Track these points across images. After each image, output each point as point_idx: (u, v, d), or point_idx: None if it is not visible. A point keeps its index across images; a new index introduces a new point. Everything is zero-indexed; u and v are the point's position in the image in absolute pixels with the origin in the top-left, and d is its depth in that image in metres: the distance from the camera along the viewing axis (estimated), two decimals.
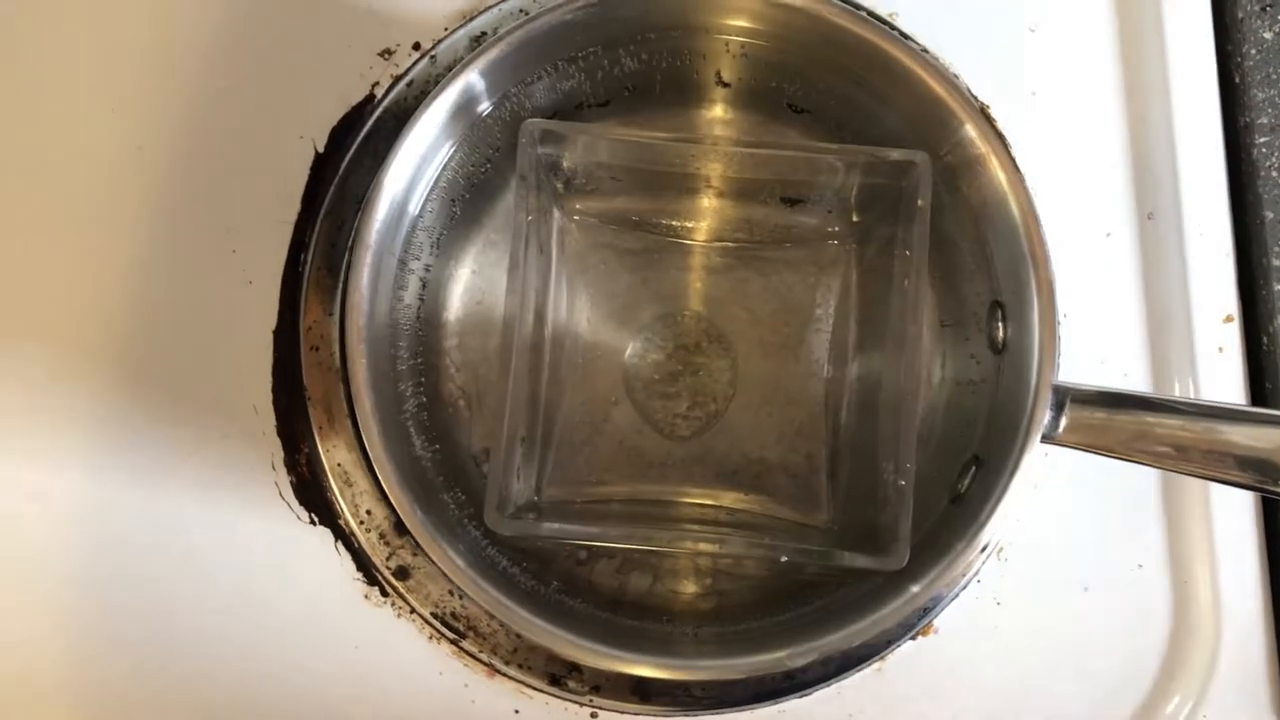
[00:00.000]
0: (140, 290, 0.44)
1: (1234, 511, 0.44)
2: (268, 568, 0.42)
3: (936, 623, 0.44)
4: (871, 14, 0.46)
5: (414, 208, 0.39)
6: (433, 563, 0.41)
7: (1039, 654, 0.44)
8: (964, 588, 0.44)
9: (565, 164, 0.40)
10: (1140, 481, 0.45)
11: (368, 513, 0.43)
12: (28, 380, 0.43)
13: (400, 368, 0.40)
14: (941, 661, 0.44)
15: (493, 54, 0.37)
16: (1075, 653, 0.44)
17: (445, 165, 0.39)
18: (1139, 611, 0.45)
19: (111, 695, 0.42)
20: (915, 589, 0.36)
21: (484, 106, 0.39)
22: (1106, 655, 0.44)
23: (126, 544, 0.42)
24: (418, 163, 0.38)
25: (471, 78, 0.37)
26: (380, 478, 0.36)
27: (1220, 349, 0.45)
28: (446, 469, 0.41)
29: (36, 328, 0.43)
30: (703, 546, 0.38)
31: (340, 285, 0.43)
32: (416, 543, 0.41)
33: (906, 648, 0.44)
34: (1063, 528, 0.45)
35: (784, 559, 0.37)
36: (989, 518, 0.36)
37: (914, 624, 0.44)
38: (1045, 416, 0.36)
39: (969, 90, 0.44)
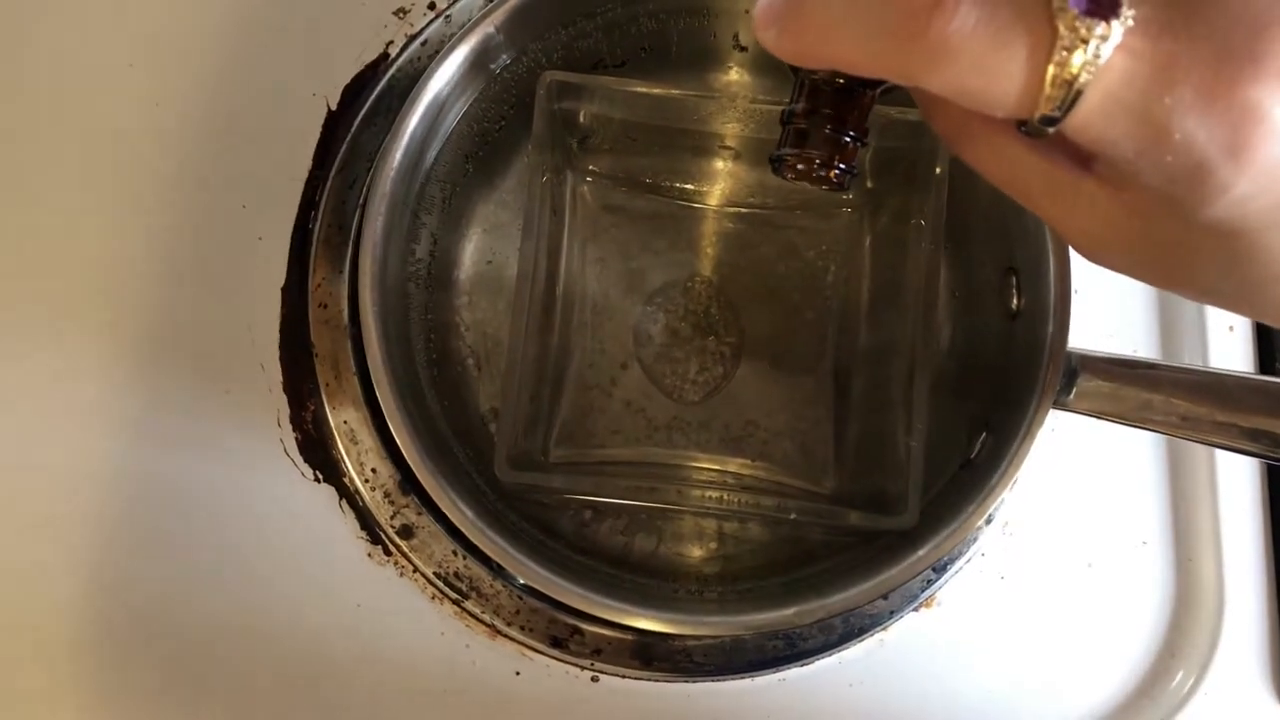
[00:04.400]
0: (150, 245, 0.44)
1: (1238, 489, 0.45)
2: (271, 524, 0.42)
3: (939, 596, 0.44)
4: None
5: (429, 158, 0.39)
6: (438, 521, 0.41)
7: (1042, 629, 0.44)
8: (968, 561, 0.44)
9: (581, 119, 0.40)
10: (1145, 459, 0.45)
11: (373, 471, 0.42)
12: (36, 332, 0.43)
13: (411, 319, 0.40)
14: (943, 634, 0.44)
15: (511, 5, 0.37)
16: (1078, 628, 0.44)
17: (461, 116, 0.39)
18: (1142, 588, 0.45)
19: (114, 646, 0.41)
20: (922, 551, 0.36)
21: (501, 60, 0.39)
22: (1109, 631, 0.44)
23: (131, 497, 0.42)
24: (435, 112, 0.38)
25: (489, 29, 0.37)
26: (389, 424, 0.35)
27: (1231, 327, 0.45)
28: (455, 425, 0.41)
29: (45, 281, 0.43)
30: (710, 497, 0.38)
31: (352, 239, 0.42)
32: (421, 501, 0.41)
33: (909, 620, 0.44)
34: (1067, 504, 0.45)
35: (793, 516, 0.37)
36: (999, 482, 0.36)
37: (917, 596, 0.43)
38: (1058, 384, 0.36)
39: None
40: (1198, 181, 0.21)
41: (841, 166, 0.27)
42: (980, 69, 0.20)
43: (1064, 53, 0.20)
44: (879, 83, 0.26)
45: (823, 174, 0.27)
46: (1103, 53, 0.20)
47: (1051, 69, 0.20)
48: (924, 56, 0.21)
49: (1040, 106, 0.21)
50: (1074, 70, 0.20)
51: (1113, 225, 0.24)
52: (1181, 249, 0.23)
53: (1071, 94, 0.20)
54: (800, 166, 0.27)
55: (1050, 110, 0.21)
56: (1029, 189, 0.25)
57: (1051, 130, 0.21)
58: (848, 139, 0.27)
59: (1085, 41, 0.20)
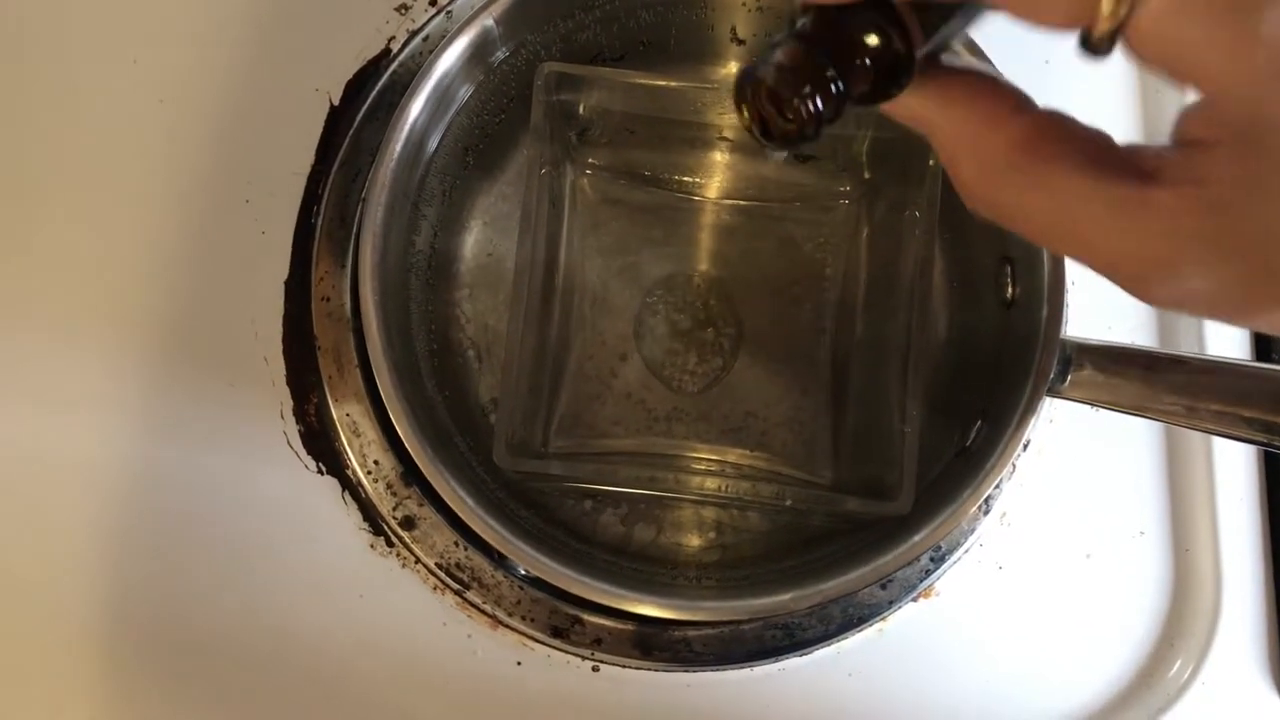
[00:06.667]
0: (155, 239, 0.44)
1: (1236, 478, 0.45)
2: (274, 516, 0.43)
3: (938, 585, 0.44)
4: None
5: (429, 149, 0.39)
6: (439, 512, 0.42)
7: (1040, 619, 0.44)
8: (966, 551, 0.44)
9: (580, 111, 0.41)
10: (1142, 449, 0.45)
11: (375, 463, 0.43)
12: (40, 327, 0.43)
13: (412, 311, 0.41)
14: (942, 624, 0.44)
15: None
16: (1077, 618, 0.44)
17: (461, 109, 0.39)
18: (1140, 577, 0.45)
19: (117, 638, 0.42)
20: (917, 537, 0.36)
21: (500, 53, 0.40)
22: (1108, 620, 0.44)
23: (134, 490, 0.42)
24: (435, 104, 0.38)
25: (487, 22, 0.38)
26: (390, 415, 0.36)
27: None
28: (456, 416, 0.41)
29: (49, 276, 0.44)
30: (708, 484, 0.38)
31: (354, 230, 0.43)
32: (423, 493, 0.42)
33: (908, 610, 0.44)
34: (1065, 494, 0.45)
35: (789, 503, 0.37)
36: (993, 468, 0.36)
37: (915, 586, 0.44)
38: (1052, 370, 0.36)
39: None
40: None
41: (816, 103, 0.23)
42: None
43: None
44: (893, 63, 0.23)
45: (794, 104, 0.23)
46: None
47: None
48: None
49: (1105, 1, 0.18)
50: None
51: (1188, 235, 0.20)
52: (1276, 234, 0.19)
53: None
54: (773, 86, 0.24)
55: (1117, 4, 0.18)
56: (1077, 220, 0.21)
57: (1117, 42, 0.19)
58: (835, 86, 0.23)
59: None
